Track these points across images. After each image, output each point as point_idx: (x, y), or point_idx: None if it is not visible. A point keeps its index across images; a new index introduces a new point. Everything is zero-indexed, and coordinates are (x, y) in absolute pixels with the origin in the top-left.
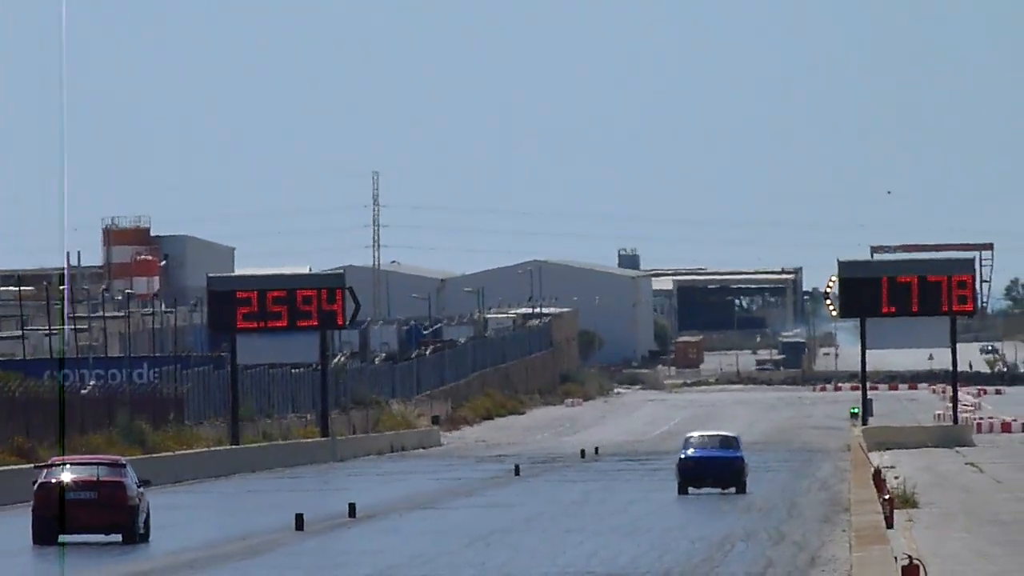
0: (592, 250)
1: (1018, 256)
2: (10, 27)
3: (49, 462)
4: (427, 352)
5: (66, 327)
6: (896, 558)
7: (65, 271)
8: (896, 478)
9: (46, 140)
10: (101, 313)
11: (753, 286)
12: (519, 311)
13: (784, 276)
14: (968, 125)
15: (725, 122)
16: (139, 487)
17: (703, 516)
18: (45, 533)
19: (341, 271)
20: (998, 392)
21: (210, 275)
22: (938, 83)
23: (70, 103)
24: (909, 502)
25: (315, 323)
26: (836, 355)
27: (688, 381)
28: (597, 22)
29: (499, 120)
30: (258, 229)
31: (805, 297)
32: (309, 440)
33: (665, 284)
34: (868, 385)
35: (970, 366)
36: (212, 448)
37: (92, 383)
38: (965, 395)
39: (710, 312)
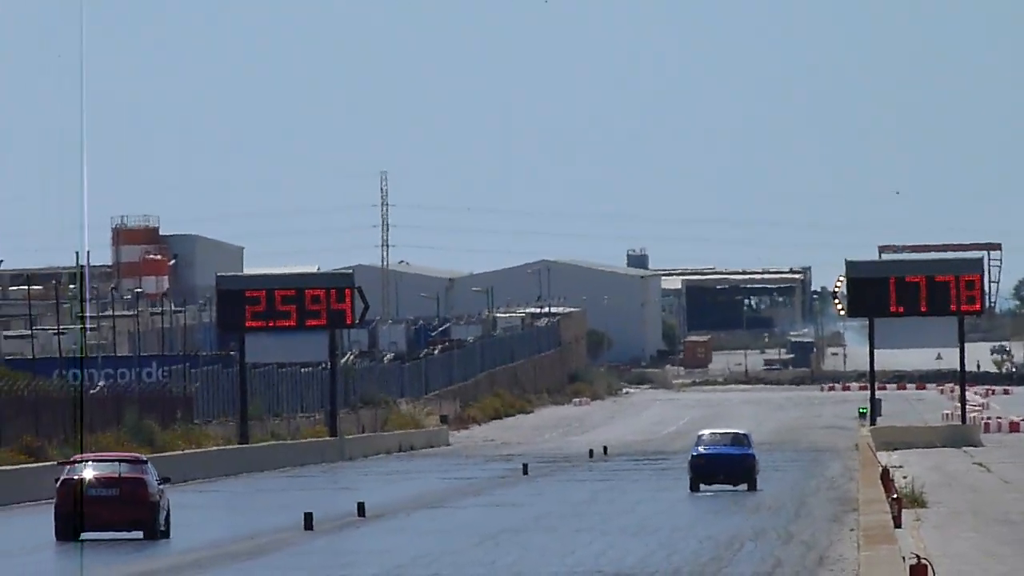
0: (601, 250)
1: None
2: (27, 27)
3: (71, 459)
4: (435, 351)
5: (85, 325)
6: (904, 558)
7: (85, 270)
8: (904, 478)
9: (56, 139)
10: (110, 312)
11: (761, 286)
12: (528, 311)
13: (792, 276)
14: (976, 125)
15: (734, 122)
16: (160, 484)
17: (711, 515)
18: (67, 529)
19: (350, 270)
20: (1006, 392)
21: (219, 274)
22: (947, 83)
23: (76, 101)
24: (917, 502)
25: (324, 322)
26: (844, 355)
27: (696, 381)
28: (603, 22)
29: (508, 120)
30: (267, 229)
31: (813, 297)
32: (318, 439)
33: (673, 284)
34: (876, 385)
35: (978, 366)
36: (221, 447)
37: (101, 382)
38: (973, 395)
39: (718, 312)
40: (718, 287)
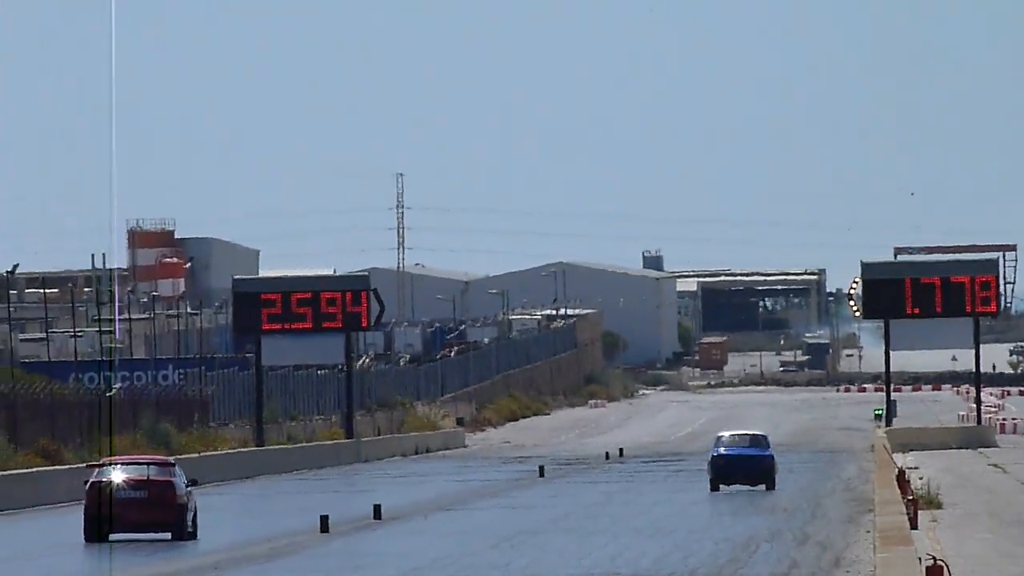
0: (616, 252)
1: None
2: (46, 30)
3: (100, 462)
4: (451, 354)
5: (115, 328)
6: (920, 559)
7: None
8: (920, 479)
9: (72, 142)
10: (126, 315)
11: (777, 287)
12: (543, 312)
13: (808, 277)
14: (992, 126)
15: (750, 123)
16: (187, 486)
17: (728, 517)
18: (96, 532)
19: (366, 273)
20: (1022, 393)
21: (235, 277)
22: (963, 84)
23: (93, 104)
24: (933, 503)
25: (340, 325)
26: (860, 356)
27: (712, 382)
28: (620, 22)
29: (523, 122)
30: (283, 231)
31: (829, 298)
32: (334, 442)
33: (689, 285)
34: (892, 386)
35: (993, 367)
36: (237, 450)
37: (117, 385)
38: (988, 396)
39: (734, 313)
40: (733, 289)
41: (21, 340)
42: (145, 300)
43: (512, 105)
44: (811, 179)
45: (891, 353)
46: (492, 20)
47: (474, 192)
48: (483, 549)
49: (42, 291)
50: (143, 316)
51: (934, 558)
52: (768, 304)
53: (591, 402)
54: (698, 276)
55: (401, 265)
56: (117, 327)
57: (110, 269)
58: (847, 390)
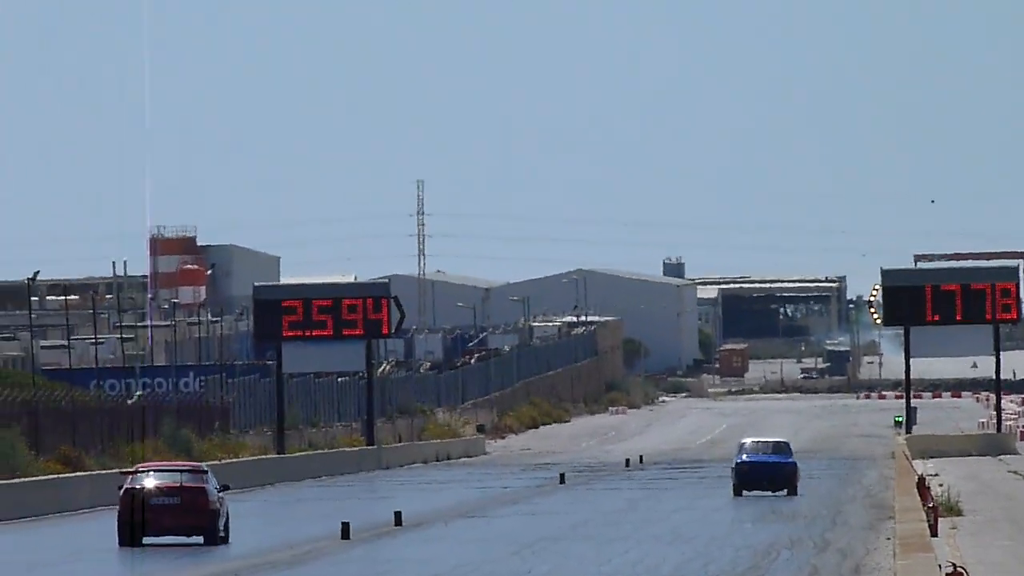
0: (637, 259)
1: None
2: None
3: (134, 468)
4: (472, 361)
5: (150, 331)
6: (940, 566)
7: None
8: (940, 486)
9: (96, 149)
10: (147, 322)
11: (797, 294)
12: (564, 320)
13: (828, 284)
14: (1014, 133)
15: (771, 131)
16: (219, 492)
17: (748, 524)
18: (130, 536)
19: (386, 280)
20: None
21: (256, 284)
22: (987, 89)
23: (114, 111)
24: (953, 510)
25: (360, 332)
26: (880, 363)
27: (732, 389)
28: (647, 27)
29: (545, 129)
30: (304, 238)
31: (849, 305)
32: (355, 449)
33: (710, 292)
34: (912, 393)
35: (1014, 374)
36: (258, 457)
37: (138, 392)
38: (1009, 403)
39: (754, 320)
40: (754, 296)
41: (42, 347)
42: (166, 307)
43: (533, 112)
44: (831, 186)
45: (911, 360)
46: (514, 28)
47: (495, 199)
48: (504, 556)
49: (63, 298)
50: (164, 323)
51: (954, 565)
52: (788, 311)
53: (611, 409)
54: (719, 283)
55: (422, 272)
56: (151, 329)
57: (133, 276)
58: (867, 397)
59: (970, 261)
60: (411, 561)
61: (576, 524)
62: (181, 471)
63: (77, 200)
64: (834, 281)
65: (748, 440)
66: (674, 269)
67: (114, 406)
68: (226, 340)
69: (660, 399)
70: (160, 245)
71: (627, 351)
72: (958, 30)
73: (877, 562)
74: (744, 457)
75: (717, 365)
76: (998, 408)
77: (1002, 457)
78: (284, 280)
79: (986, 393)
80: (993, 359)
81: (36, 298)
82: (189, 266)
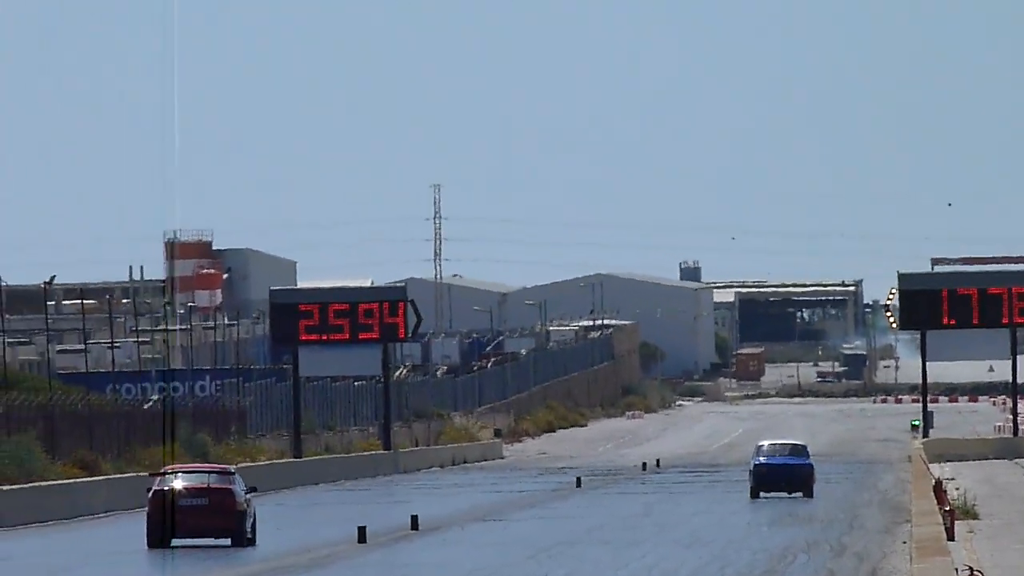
0: (653, 262)
1: None
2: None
3: (162, 470)
4: (489, 365)
5: (181, 332)
6: (957, 570)
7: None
8: (957, 490)
9: (112, 152)
10: (163, 327)
11: (814, 298)
12: (581, 324)
13: (845, 288)
14: None
15: (789, 135)
16: (246, 494)
17: (765, 527)
18: (159, 537)
19: (403, 284)
20: None
21: (272, 288)
22: (1002, 92)
23: (130, 115)
24: (970, 514)
25: (377, 336)
26: (896, 367)
27: (749, 393)
28: (676, 35)
29: (562, 133)
30: (320, 242)
31: (866, 309)
32: (371, 453)
33: (726, 296)
34: (928, 397)
35: None
36: (274, 461)
37: (154, 396)
38: None
39: (771, 324)
40: (770, 299)
41: (58, 351)
42: (182, 311)
43: (549, 116)
44: (848, 189)
45: (928, 364)
46: (533, 33)
47: (511, 203)
48: (520, 560)
49: (80, 302)
50: (180, 327)
51: (971, 569)
52: (805, 315)
53: (628, 413)
54: (735, 287)
55: (439, 276)
56: (181, 331)
57: (150, 280)
58: (884, 401)
59: (987, 265)
60: (428, 565)
61: (592, 528)
62: (209, 472)
63: (94, 204)
64: (851, 285)
65: (765, 443)
66: (691, 273)
67: (130, 410)
68: (242, 344)
69: (676, 403)
70: (177, 249)
71: (644, 355)
72: (975, 31)
73: (894, 566)
74: (761, 459)
75: (734, 369)
76: (1015, 412)
77: (1019, 461)
78: (301, 284)
79: (1003, 397)
80: (1010, 363)
81: (52, 302)
82: (206, 270)
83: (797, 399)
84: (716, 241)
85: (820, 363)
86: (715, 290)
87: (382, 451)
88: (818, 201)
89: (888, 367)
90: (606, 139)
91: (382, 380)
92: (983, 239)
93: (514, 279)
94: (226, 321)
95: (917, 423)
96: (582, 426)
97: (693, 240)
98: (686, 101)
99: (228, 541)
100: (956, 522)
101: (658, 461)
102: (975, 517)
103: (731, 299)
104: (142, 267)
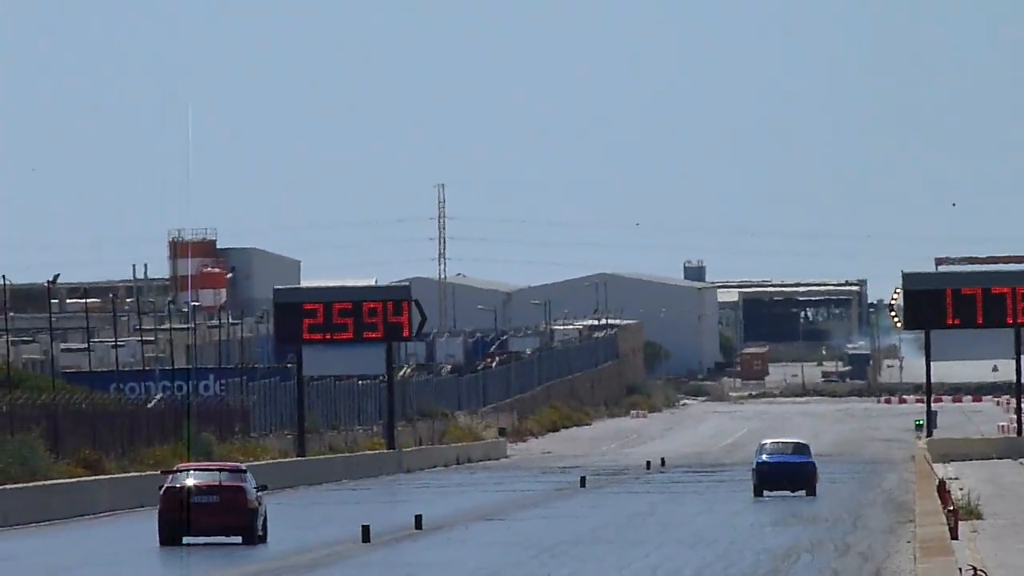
0: (658, 262)
1: None
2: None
3: (175, 468)
4: (493, 364)
5: (185, 331)
6: (961, 570)
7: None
8: (960, 489)
9: (115, 151)
10: (167, 325)
11: (818, 298)
12: (585, 323)
13: (849, 288)
14: None
15: (791, 134)
16: (258, 492)
17: (769, 527)
18: (171, 534)
19: (407, 283)
20: None
21: (276, 287)
22: (1009, 92)
23: (135, 114)
24: (974, 513)
25: (381, 335)
26: (901, 367)
27: (753, 393)
28: (683, 37)
29: (566, 133)
30: (324, 242)
31: (870, 309)
32: (375, 452)
33: (730, 296)
34: (932, 397)
35: None
36: (278, 460)
37: (159, 395)
38: None
39: (775, 324)
40: (775, 299)
41: (62, 350)
42: (186, 310)
43: (554, 116)
44: (853, 189)
45: (932, 364)
46: (536, 32)
47: (516, 202)
48: (524, 559)
49: (83, 301)
50: (184, 326)
51: (974, 568)
52: (809, 315)
53: (632, 412)
54: (739, 286)
55: (443, 275)
56: (182, 333)
57: (153, 279)
58: (888, 401)
59: (991, 265)
60: (431, 564)
61: (596, 528)
62: (220, 470)
63: (98, 203)
64: (855, 284)
65: (768, 441)
66: (695, 272)
67: (134, 409)
68: (246, 343)
69: (681, 402)
70: (180, 248)
71: (648, 354)
72: (975, 31)
73: (898, 565)
74: (764, 457)
75: (738, 368)
76: (1019, 412)
77: (1023, 461)
78: (305, 283)
79: (1007, 397)
80: (1014, 363)
81: (56, 301)
82: (209, 269)
83: (801, 399)
84: (720, 241)
85: (824, 363)
86: (719, 290)
87: (386, 450)
88: (822, 201)
89: (892, 367)
90: (610, 138)
91: (386, 379)
92: (987, 239)
93: (518, 278)
94: (230, 320)
95: (921, 423)
96: (586, 425)
97: (697, 240)
98: (689, 100)
99: (240, 539)
100: (960, 522)
101: (663, 460)
102: (979, 517)
103: (735, 299)
104: (146, 266)
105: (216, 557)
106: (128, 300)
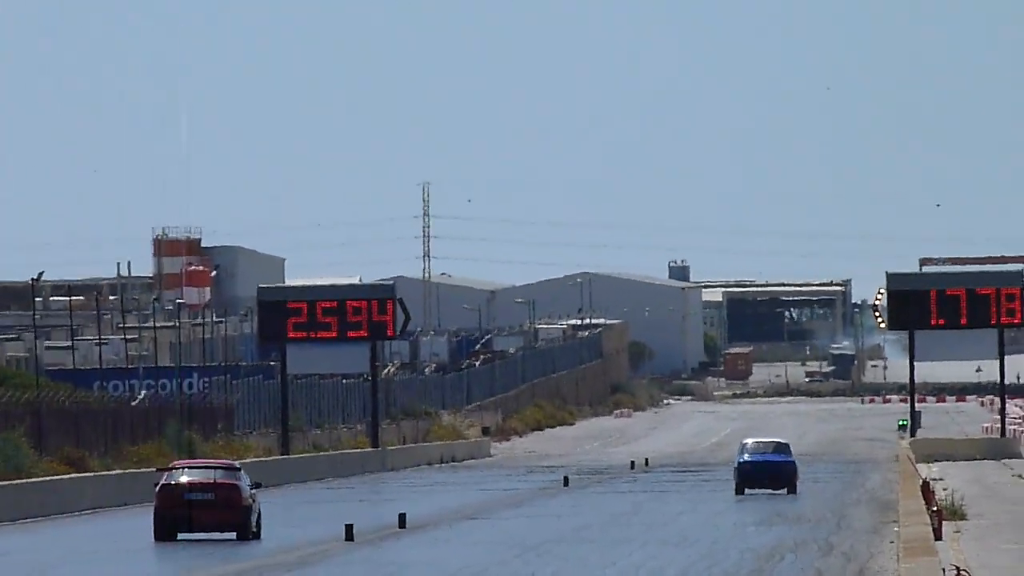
0: (642, 262)
1: None
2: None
3: (170, 465)
4: (477, 363)
5: (169, 329)
6: (944, 570)
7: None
8: (944, 490)
9: (99, 149)
10: (151, 323)
11: (802, 298)
12: (569, 322)
13: (833, 288)
14: (1020, 137)
15: (777, 134)
16: (252, 489)
17: (753, 527)
18: (166, 531)
19: (391, 282)
20: None
21: (260, 286)
22: (993, 93)
23: (119, 112)
24: (957, 514)
25: (365, 334)
26: (885, 367)
27: (737, 392)
28: (659, 33)
29: (550, 131)
30: (309, 240)
31: (854, 309)
32: (359, 450)
33: (714, 295)
34: (916, 397)
35: (1018, 378)
36: (262, 458)
37: (143, 393)
38: (1013, 407)
39: (759, 323)
40: (759, 299)
41: (46, 348)
42: (170, 308)
43: (538, 114)
44: (836, 189)
45: (916, 364)
46: (517, 28)
47: (501, 201)
48: (508, 558)
49: (68, 299)
50: (168, 324)
51: (958, 569)
52: (793, 315)
53: (616, 412)
54: (724, 286)
55: (427, 274)
56: (166, 331)
57: (138, 277)
58: (872, 401)
59: (975, 265)
60: (415, 563)
61: (580, 527)
62: (215, 468)
63: (82, 201)
64: (839, 285)
65: (750, 440)
66: (679, 272)
67: (118, 407)
68: (230, 341)
69: (665, 402)
70: (165, 246)
71: (632, 354)
72: (963, 32)
73: (881, 565)
74: (746, 456)
75: (722, 368)
76: (1002, 412)
77: (1006, 461)
78: (289, 282)
79: (990, 397)
80: (998, 363)
81: (40, 299)
82: (194, 267)
83: (785, 399)
84: (705, 240)
85: (808, 363)
86: (704, 289)
87: (370, 449)
88: (807, 201)
89: (876, 367)
90: (595, 139)
91: (370, 378)
92: (971, 239)
93: (503, 278)
94: (214, 318)
95: (905, 423)
96: (570, 424)
97: (682, 239)
98: (675, 102)
99: (234, 535)
100: (944, 522)
101: (646, 460)
102: (963, 517)
103: (719, 298)
104: (130, 264)
105: (202, 555)
106: (112, 298)
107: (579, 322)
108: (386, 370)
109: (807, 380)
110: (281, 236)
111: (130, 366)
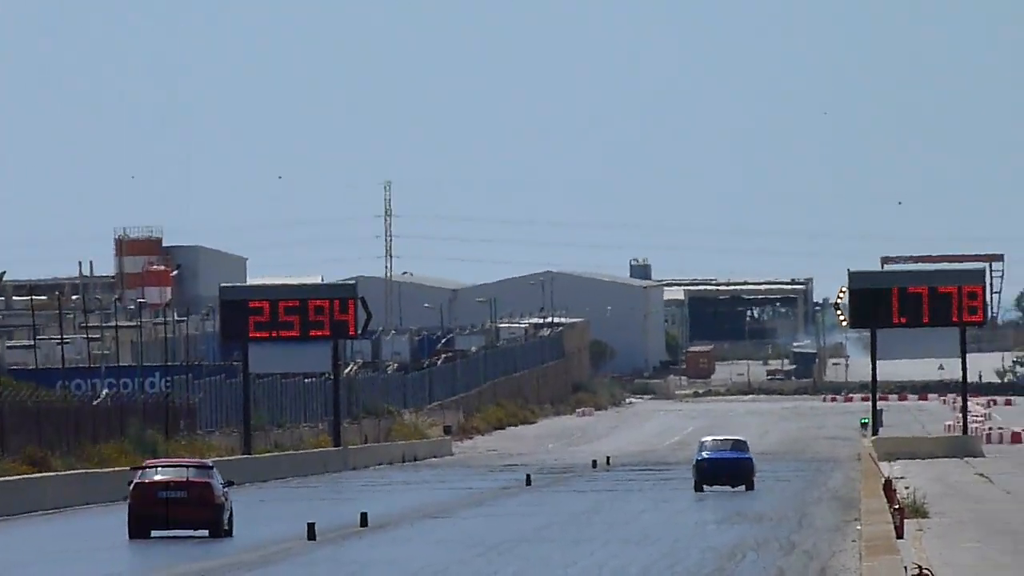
0: (604, 260)
1: None
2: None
3: (144, 464)
4: (439, 362)
5: (131, 328)
6: (906, 568)
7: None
8: (906, 488)
9: (62, 148)
10: (113, 323)
11: (764, 296)
12: (531, 321)
13: (795, 286)
14: (981, 135)
15: (738, 131)
16: (224, 487)
17: (714, 525)
18: (140, 529)
19: (353, 281)
20: (1008, 403)
21: (222, 285)
22: (953, 92)
23: (80, 111)
24: (919, 512)
25: (327, 333)
26: (846, 365)
27: (699, 391)
28: (608, 30)
29: (512, 130)
30: (270, 240)
31: (816, 307)
32: (321, 450)
33: (676, 294)
34: (878, 395)
35: (980, 377)
36: (224, 457)
37: (104, 392)
38: (975, 406)
39: (721, 322)
40: (720, 298)
41: (8, 347)
42: (132, 307)
43: (501, 113)
44: (798, 188)
45: (878, 362)
46: (480, 27)
47: (462, 200)
48: (470, 557)
49: (30, 298)
50: (130, 323)
51: (919, 567)
52: (755, 313)
53: (578, 410)
54: (685, 285)
55: (389, 273)
56: (128, 330)
57: (100, 277)
58: (834, 399)
59: (937, 263)
60: (377, 562)
61: (542, 526)
62: (188, 466)
63: (44, 201)
64: (801, 283)
65: (708, 439)
66: (641, 271)
67: (80, 406)
68: (192, 341)
69: (627, 401)
70: (126, 246)
71: (594, 352)
72: (930, 32)
73: (843, 564)
74: (704, 454)
75: (684, 367)
76: (964, 410)
77: (968, 459)
78: (251, 281)
79: (952, 395)
80: (959, 361)
81: (2, 298)
82: (156, 267)
83: (747, 397)
84: (666, 239)
85: (770, 361)
86: (665, 288)
87: (332, 448)
88: (768, 199)
89: (838, 365)
90: (555, 136)
91: (332, 377)
92: (933, 238)
93: (465, 276)
94: (176, 318)
95: (867, 421)
96: (532, 423)
97: (643, 238)
98: (639, 101)
99: (207, 532)
100: (906, 520)
101: (608, 459)
102: (925, 516)
103: (681, 297)
104: (92, 264)
105: (168, 554)
106: (74, 297)
107: (541, 321)
108: (348, 369)
109: (769, 379)
110: (242, 235)
111: (92, 365)
